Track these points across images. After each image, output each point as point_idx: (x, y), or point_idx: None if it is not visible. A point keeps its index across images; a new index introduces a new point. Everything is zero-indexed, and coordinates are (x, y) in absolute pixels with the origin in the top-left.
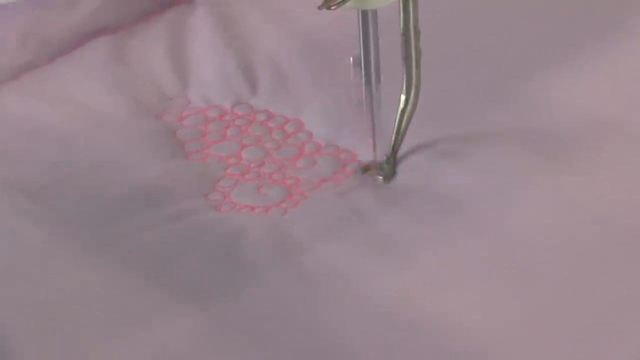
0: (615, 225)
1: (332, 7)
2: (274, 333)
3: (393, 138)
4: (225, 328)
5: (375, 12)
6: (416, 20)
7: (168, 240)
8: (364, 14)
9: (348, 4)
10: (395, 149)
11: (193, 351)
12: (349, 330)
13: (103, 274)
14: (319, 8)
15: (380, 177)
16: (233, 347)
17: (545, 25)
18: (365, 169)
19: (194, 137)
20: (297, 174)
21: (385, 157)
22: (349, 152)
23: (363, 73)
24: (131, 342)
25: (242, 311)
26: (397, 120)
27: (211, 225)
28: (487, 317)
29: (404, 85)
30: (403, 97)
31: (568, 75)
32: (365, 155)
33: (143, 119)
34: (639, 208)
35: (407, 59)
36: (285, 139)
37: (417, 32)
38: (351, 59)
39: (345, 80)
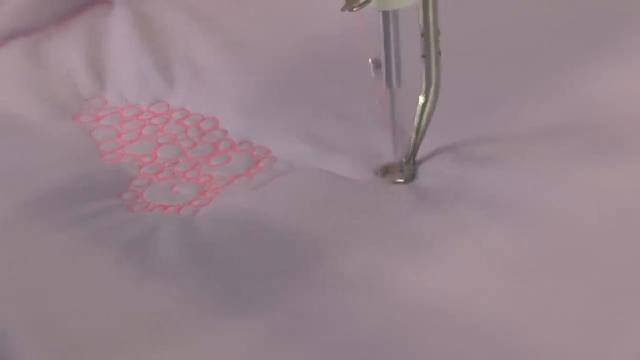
0: None
1: (355, 9)
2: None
3: (413, 139)
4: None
5: (396, 12)
6: (436, 19)
7: (79, 240)
8: (385, 14)
9: (370, 4)
10: (415, 149)
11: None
12: None
13: (15, 273)
14: (342, 10)
15: (401, 179)
16: None
17: (577, 17)
18: (385, 170)
19: (109, 137)
20: (211, 172)
21: (405, 159)
22: (263, 149)
23: (384, 74)
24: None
25: (153, 310)
26: (416, 121)
27: (122, 226)
28: (518, 307)
29: (424, 85)
30: (422, 98)
31: (604, 69)
32: (280, 150)
33: (59, 120)
34: None
35: (426, 58)
36: (200, 137)
37: (436, 31)
38: (370, 60)
39: (260, 78)
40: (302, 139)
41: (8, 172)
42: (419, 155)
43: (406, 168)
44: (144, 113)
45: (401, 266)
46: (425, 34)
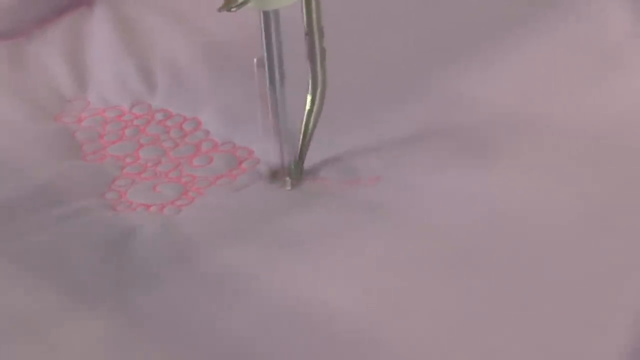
0: (527, 225)
1: (233, 9)
2: (168, 334)
3: (300, 141)
4: (116, 330)
5: (277, 12)
6: (319, 19)
7: (61, 239)
8: (266, 14)
9: (248, 4)
10: (302, 152)
11: (84, 356)
12: (242, 326)
13: None
14: (219, 10)
15: (289, 182)
16: (124, 351)
17: (449, 19)
18: (274, 173)
19: (91, 138)
20: (193, 172)
21: (293, 161)
22: (245, 149)
23: (267, 74)
24: (24, 346)
25: (134, 311)
26: (303, 123)
27: (105, 224)
28: (383, 308)
29: (310, 86)
30: (309, 98)
31: (478, 71)
32: (263, 152)
33: (40, 121)
34: (544, 204)
35: (311, 59)
36: (182, 138)
37: (320, 31)
38: (255, 60)
39: (242, 79)
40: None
41: None
42: (307, 159)
43: (294, 171)
44: (125, 114)
45: (271, 268)
46: (309, 35)
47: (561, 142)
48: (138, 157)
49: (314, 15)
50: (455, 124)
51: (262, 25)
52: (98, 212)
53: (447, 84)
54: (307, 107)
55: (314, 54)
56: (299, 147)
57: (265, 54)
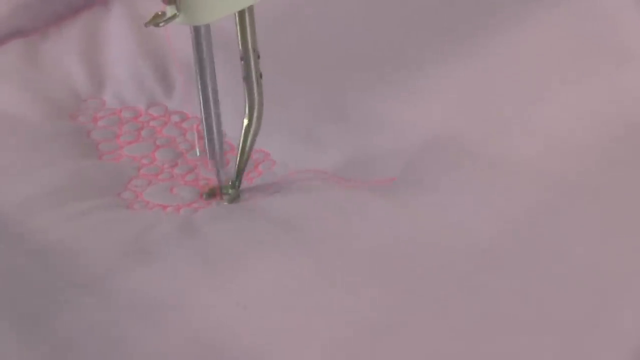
0: (438, 250)
1: (161, 24)
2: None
3: (237, 161)
4: (128, 322)
5: (208, 27)
6: (254, 39)
7: (76, 235)
8: (197, 30)
9: (176, 20)
10: (239, 171)
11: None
12: None
13: (13, 271)
14: (146, 25)
15: (225, 202)
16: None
17: (381, 39)
18: (211, 192)
19: (107, 138)
20: (209, 176)
21: (230, 181)
22: (262, 152)
23: (200, 93)
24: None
25: (149, 307)
26: (240, 142)
27: (121, 222)
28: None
29: (246, 107)
30: (246, 120)
31: (406, 92)
32: (280, 153)
33: (56, 120)
34: (469, 230)
35: (247, 81)
36: (199, 141)
37: (256, 54)
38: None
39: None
40: (300, 142)
41: (5, 171)
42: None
43: (231, 191)
44: (142, 115)
45: (189, 287)
46: (244, 55)
47: (497, 165)
48: (154, 158)
49: (249, 37)
50: (378, 147)
51: (193, 41)
52: (113, 210)
53: (378, 107)
54: (244, 128)
55: (250, 76)
56: (236, 166)
57: (197, 72)
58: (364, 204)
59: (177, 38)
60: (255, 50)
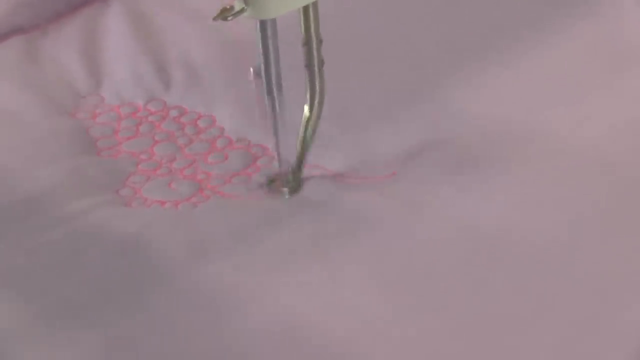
0: (510, 241)
1: (229, 18)
2: (180, 330)
3: (298, 149)
4: (127, 326)
5: (274, 21)
6: (317, 29)
7: (76, 235)
8: (262, 23)
9: (244, 14)
10: (300, 160)
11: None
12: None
13: (13, 269)
14: (214, 19)
15: (286, 190)
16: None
17: (452, 31)
18: (271, 180)
19: (106, 134)
20: (208, 169)
21: (290, 169)
22: (260, 147)
23: (264, 83)
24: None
25: (147, 308)
26: (301, 131)
27: (119, 219)
28: (368, 324)
29: (308, 95)
30: (307, 108)
31: (477, 83)
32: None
33: (55, 117)
34: (542, 220)
35: (309, 68)
36: (197, 135)
37: (318, 41)
38: (251, 69)
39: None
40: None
41: (4, 168)
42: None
43: (292, 180)
44: (140, 111)
45: (261, 280)
46: (307, 44)
47: (558, 155)
48: (153, 153)
49: (312, 25)
50: (444, 140)
51: (259, 34)
52: (112, 208)
53: (443, 96)
54: (305, 116)
55: (312, 64)
56: (297, 156)
57: (262, 63)
58: (429, 193)
59: (172, 33)
60: (318, 37)
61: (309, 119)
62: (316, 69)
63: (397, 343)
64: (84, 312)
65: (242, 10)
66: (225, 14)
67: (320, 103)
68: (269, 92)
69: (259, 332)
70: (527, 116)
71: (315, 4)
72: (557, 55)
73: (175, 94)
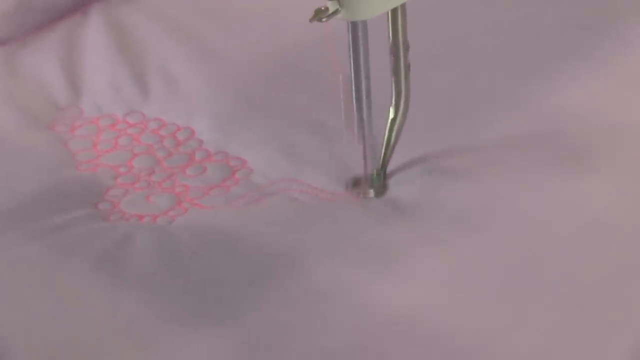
0: (622, 233)
1: (324, 20)
2: None
3: (383, 152)
4: (108, 335)
5: (365, 23)
6: (405, 33)
7: (53, 250)
8: (354, 25)
9: (338, 15)
10: (385, 162)
11: None
12: None
13: None
14: (310, 21)
15: (372, 192)
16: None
17: (546, 27)
18: (355, 183)
19: (85, 147)
20: (186, 182)
21: (375, 171)
22: (239, 159)
23: (353, 87)
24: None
25: (122, 317)
26: (386, 134)
27: (98, 234)
28: (488, 318)
29: (393, 98)
30: (392, 110)
31: (572, 80)
32: (255, 161)
33: (33, 130)
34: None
35: (396, 72)
36: (176, 147)
37: (405, 45)
38: (341, 76)
39: (236, 88)
40: (277, 150)
41: None
42: (389, 168)
43: (376, 181)
44: (119, 123)
45: (372, 278)
46: (394, 48)
47: None
48: (132, 166)
49: (400, 29)
50: (549, 132)
51: (350, 36)
52: (90, 223)
53: (543, 92)
54: (390, 119)
55: (399, 68)
56: (382, 158)
57: (351, 66)
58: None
59: (151, 44)
60: (405, 42)
61: (393, 121)
62: (402, 73)
63: (528, 337)
64: (60, 327)
65: (336, 11)
66: (320, 15)
67: (406, 106)
68: (358, 96)
69: (381, 325)
70: (623, 112)
71: (404, 9)
72: None
73: (154, 105)
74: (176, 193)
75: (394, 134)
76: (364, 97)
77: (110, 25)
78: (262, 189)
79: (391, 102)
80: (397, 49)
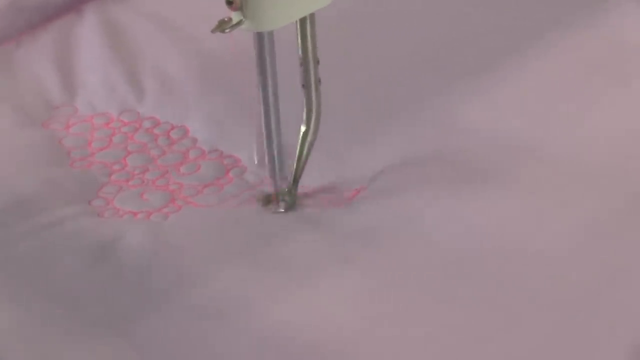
0: (525, 253)
1: (227, 31)
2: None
3: (294, 167)
4: (101, 335)
5: (271, 34)
6: (315, 47)
7: (47, 246)
8: (260, 36)
9: (242, 26)
10: (296, 178)
11: None
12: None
13: None
14: (213, 32)
15: (282, 208)
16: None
17: (447, 44)
18: (267, 199)
19: (79, 145)
20: (180, 180)
21: (286, 187)
22: (232, 157)
23: (261, 100)
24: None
25: (120, 320)
26: (298, 148)
27: (92, 230)
28: (385, 332)
29: (304, 113)
30: (303, 127)
31: (476, 97)
32: (250, 160)
33: (28, 128)
34: (546, 231)
35: (306, 87)
36: (170, 146)
37: (315, 60)
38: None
39: (230, 88)
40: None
41: None
42: (300, 185)
43: (288, 197)
44: (113, 121)
45: (272, 294)
46: (304, 63)
47: (562, 166)
48: (125, 164)
49: (309, 44)
50: (452, 149)
51: (256, 47)
52: (84, 219)
53: (444, 108)
54: (302, 134)
55: (309, 82)
56: (293, 172)
57: (258, 77)
58: (435, 209)
59: (146, 43)
60: (315, 56)
61: (305, 136)
62: (313, 87)
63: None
64: (54, 323)
65: (239, 22)
66: (223, 26)
67: (317, 121)
68: (265, 106)
69: (275, 344)
70: (526, 129)
71: (312, 22)
72: (559, 67)
73: (148, 104)
74: (170, 191)
75: (305, 150)
76: (272, 111)
77: (104, 25)
78: (255, 187)
79: (302, 118)
80: (307, 62)
